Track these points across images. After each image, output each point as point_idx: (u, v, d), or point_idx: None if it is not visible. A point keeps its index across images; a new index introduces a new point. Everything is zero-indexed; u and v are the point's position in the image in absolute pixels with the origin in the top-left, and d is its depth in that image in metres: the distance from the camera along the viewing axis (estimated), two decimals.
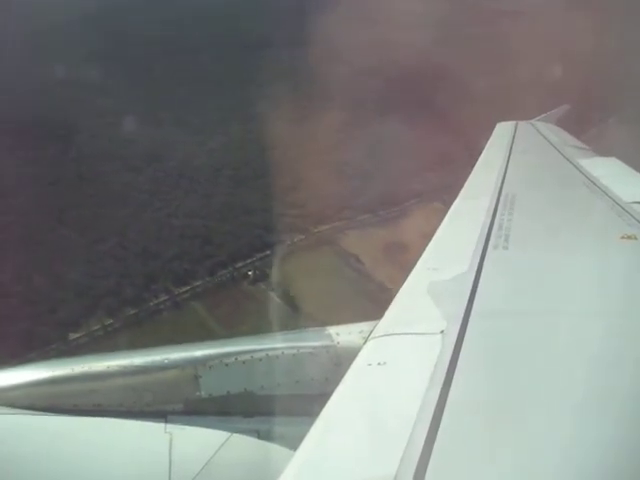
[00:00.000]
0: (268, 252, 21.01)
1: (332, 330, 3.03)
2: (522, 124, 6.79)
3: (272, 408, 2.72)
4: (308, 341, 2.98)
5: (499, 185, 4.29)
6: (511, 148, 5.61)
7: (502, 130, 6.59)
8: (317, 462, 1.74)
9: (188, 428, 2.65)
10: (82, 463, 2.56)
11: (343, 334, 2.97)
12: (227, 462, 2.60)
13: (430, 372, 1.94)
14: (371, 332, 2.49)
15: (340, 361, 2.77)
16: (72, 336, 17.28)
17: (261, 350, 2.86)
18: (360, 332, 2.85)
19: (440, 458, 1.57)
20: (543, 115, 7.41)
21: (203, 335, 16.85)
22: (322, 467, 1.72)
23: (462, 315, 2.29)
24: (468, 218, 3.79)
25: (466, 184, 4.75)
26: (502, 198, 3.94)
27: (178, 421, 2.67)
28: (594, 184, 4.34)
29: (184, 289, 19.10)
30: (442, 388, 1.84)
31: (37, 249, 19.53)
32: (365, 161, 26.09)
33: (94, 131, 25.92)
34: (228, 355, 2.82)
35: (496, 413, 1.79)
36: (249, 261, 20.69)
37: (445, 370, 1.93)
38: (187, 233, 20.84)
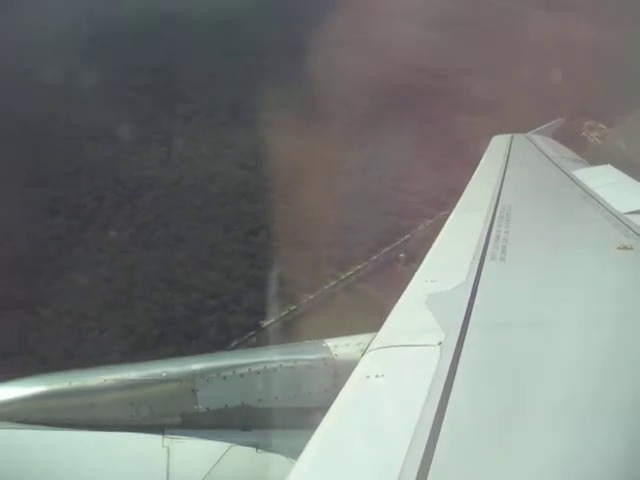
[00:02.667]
0: (408, 236, 21.42)
1: (330, 342, 3.05)
2: (518, 137, 6.89)
3: (270, 421, 2.73)
4: (306, 354, 3.00)
5: (496, 197, 4.33)
6: (507, 161, 5.67)
7: (498, 143, 6.69)
8: (316, 475, 1.73)
9: (186, 442, 2.65)
10: (79, 477, 2.57)
11: (341, 346, 2.99)
12: (225, 476, 2.60)
13: (428, 384, 1.94)
14: (369, 344, 2.48)
15: (338, 373, 2.78)
16: (264, 324, 16.93)
17: (259, 363, 2.87)
18: (358, 344, 2.86)
19: (439, 470, 1.57)
20: (539, 128, 7.54)
21: (379, 315, 16.96)
22: None
23: (460, 326, 2.30)
24: (465, 230, 3.82)
25: (463, 196, 4.79)
26: (499, 210, 3.97)
27: (176, 435, 2.67)
28: (590, 195, 4.40)
29: (347, 274, 19.15)
30: (440, 400, 1.84)
31: (191, 246, 19.09)
32: (443, 154, 27.04)
33: (189, 134, 25.65)
34: (225, 368, 2.83)
35: (495, 425, 1.79)
36: (394, 245, 21.00)
37: (443, 382, 1.94)
38: (327, 223, 20.87)
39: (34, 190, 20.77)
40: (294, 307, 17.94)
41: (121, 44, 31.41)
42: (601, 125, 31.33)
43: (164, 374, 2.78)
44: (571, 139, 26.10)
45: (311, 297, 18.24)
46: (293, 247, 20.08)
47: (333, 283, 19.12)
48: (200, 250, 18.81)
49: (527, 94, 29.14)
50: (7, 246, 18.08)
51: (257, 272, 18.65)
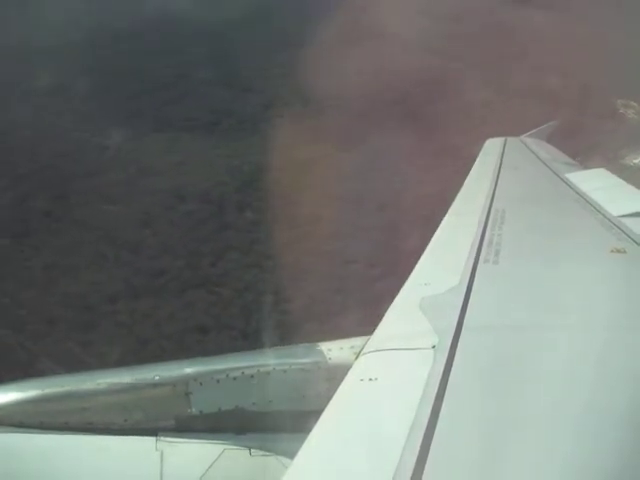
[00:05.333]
0: None
1: (323, 346, 3.10)
2: (511, 140, 7.02)
3: (264, 425, 2.77)
4: (299, 357, 3.05)
5: (489, 200, 4.38)
6: (501, 164, 5.76)
7: (491, 146, 6.82)
8: (309, 479, 1.76)
9: (179, 445, 2.68)
10: None
11: (334, 350, 3.03)
12: (219, 479, 2.65)
13: (422, 387, 1.96)
14: (362, 347, 2.51)
15: (331, 377, 2.81)
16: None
17: (252, 366, 2.92)
18: (351, 347, 2.91)
19: (433, 475, 1.59)
20: (532, 131, 7.69)
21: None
22: None
23: (454, 329, 2.33)
24: (458, 233, 3.88)
25: (456, 199, 4.85)
26: (492, 213, 4.02)
27: (169, 438, 2.70)
28: (583, 199, 4.45)
29: None
30: (434, 403, 1.86)
31: (330, 224, 19.32)
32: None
33: (273, 122, 25.76)
34: (219, 372, 2.88)
35: (489, 428, 1.81)
36: None
37: (437, 385, 1.96)
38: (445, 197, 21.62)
39: (148, 180, 20.43)
40: None
41: (176, 38, 31.11)
42: (633, 102, 33.35)
43: (157, 377, 2.82)
44: (610, 116, 27.80)
45: None
46: (418, 222, 20.67)
47: None
48: (340, 227, 19.06)
49: (559, 81, 30.36)
50: (151, 232, 17.81)
51: (399, 243, 19.14)
